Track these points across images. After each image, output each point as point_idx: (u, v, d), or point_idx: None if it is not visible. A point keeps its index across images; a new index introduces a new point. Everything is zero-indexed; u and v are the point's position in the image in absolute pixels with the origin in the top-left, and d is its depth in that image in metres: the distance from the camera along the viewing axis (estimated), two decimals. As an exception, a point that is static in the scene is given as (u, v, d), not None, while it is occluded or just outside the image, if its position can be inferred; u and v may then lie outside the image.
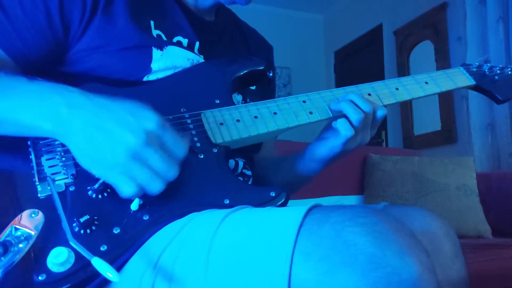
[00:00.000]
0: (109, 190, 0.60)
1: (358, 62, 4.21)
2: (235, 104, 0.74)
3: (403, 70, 3.45)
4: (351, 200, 1.98)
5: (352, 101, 0.73)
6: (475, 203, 1.90)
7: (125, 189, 0.56)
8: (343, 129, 0.71)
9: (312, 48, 4.69)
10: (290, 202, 0.66)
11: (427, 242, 0.60)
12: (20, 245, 0.54)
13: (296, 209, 0.51)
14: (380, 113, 0.74)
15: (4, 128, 0.59)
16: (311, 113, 0.75)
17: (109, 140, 0.55)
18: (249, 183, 0.82)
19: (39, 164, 0.61)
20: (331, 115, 0.76)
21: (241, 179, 0.79)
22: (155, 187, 0.57)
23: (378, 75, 3.67)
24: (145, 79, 0.73)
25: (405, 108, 3.39)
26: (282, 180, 0.89)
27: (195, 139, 0.68)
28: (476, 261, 1.28)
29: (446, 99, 3.02)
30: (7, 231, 0.54)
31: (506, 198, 1.91)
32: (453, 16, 3.02)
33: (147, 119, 0.56)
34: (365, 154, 2.05)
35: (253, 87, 0.90)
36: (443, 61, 3.07)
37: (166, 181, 0.57)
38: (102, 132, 0.55)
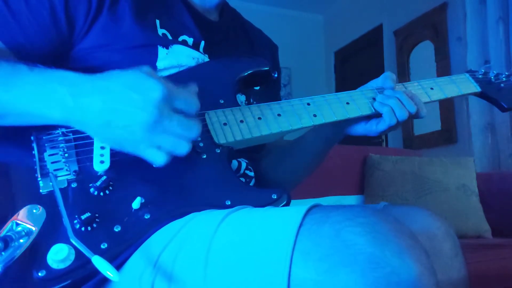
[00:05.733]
0: (111, 188, 0.60)
1: (358, 62, 4.21)
2: (240, 105, 0.74)
3: (403, 70, 3.45)
4: (351, 200, 1.98)
5: (399, 100, 0.77)
6: (475, 203, 1.90)
7: (156, 160, 0.58)
8: (388, 118, 0.76)
9: (312, 48, 4.69)
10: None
11: (427, 242, 0.60)
12: (21, 241, 0.54)
13: (296, 209, 0.51)
14: (423, 113, 0.79)
15: (13, 119, 0.59)
16: (315, 115, 0.75)
17: (123, 121, 0.55)
18: (252, 184, 0.81)
19: (41, 159, 0.61)
20: (336, 118, 0.76)
21: (243, 180, 0.79)
22: (183, 148, 0.58)
23: (378, 75, 3.62)
24: None
25: (405, 108, 3.38)
26: (296, 161, 0.91)
27: (198, 138, 0.68)
28: (476, 261, 1.28)
29: (446, 99, 3.01)
30: (8, 226, 0.54)
31: (506, 198, 1.91)
32: (453, 16, 3.02)
33: (151, 90, 0.56)
34: (365, 154, 2.05)
35: (257, 87, 0.90)
36: (443, 62, 3.07)
37: (191, 139, 0.59)
38: (114, 115, 0.55)
